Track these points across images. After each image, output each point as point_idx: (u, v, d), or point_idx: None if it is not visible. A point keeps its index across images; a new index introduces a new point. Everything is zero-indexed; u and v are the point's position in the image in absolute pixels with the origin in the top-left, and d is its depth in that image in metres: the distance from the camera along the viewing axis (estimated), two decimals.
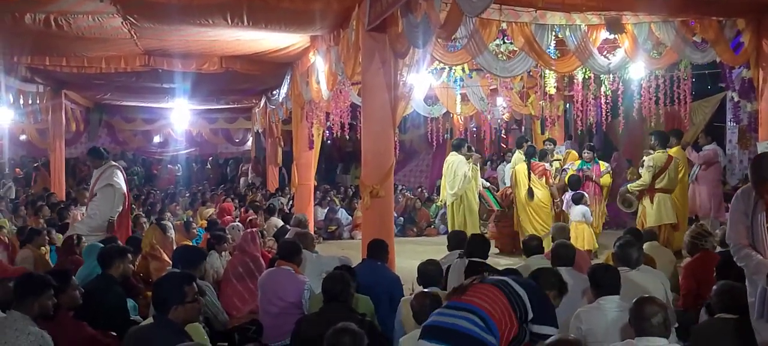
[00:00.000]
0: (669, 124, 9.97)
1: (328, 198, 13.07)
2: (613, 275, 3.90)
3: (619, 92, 8.15)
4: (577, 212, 7.79)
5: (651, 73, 7.79)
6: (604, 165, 8.75)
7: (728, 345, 3.63)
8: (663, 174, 7.68)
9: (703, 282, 4.60)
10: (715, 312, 3.98)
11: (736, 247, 3.53)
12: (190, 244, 7.28)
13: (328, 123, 10.10)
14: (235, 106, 17.05)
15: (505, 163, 10.65)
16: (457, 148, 9.09)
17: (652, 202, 7.75)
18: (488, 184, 10.01)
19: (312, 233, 7.75)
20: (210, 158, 21.50)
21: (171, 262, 5.65)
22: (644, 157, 8.12)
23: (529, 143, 9.32)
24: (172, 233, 6.84)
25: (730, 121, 8.61)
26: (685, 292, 4.50)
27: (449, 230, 9.09)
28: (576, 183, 8.09)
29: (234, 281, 5.85)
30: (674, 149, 7.75)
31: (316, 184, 13.06)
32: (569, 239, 6.16)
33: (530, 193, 8.58)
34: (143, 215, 9.46)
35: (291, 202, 12.02)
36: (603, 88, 8.49)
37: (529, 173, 8.66)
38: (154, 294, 3.39)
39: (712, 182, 7.63)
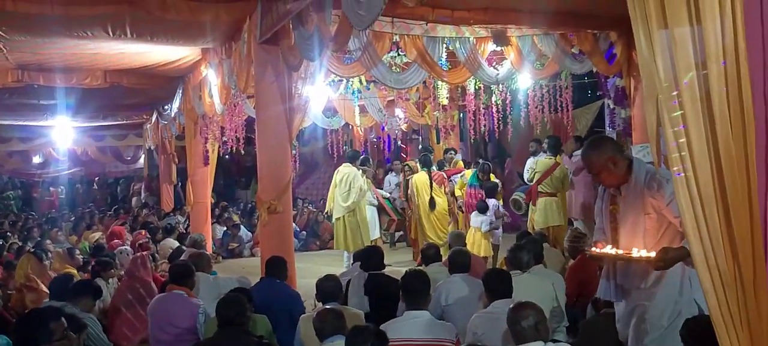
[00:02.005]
0: (556, 131, 10.54)
1: (227, 215, 12.68)
2: (505, 279, 4.04)
3: (508, 102, 8.51)
4: (477, 220, 8.07)
5: (536, 83, 8.21)
6: (492, 180, 8.82)
7: (612, 337, 3.84)
8: (547, 179, 8.03)
9: (585, 282, 4.88)
10: (600, 308, 4.24)
11: (595, 233, 3.79)
12: (74, 272, 6.78)
13: (224, 138, 9.79)
14: (125, 122, 16.15)
15: (392, 173, 10.70)
16: (352, 159, 9.03)
17: (534, 205, 8.11)
18: (388, 194, 10.09)
19: (209, 252, 7.45)
20: (97, 178, 20.21)
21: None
22: (530, 160, 8.54)
23: (428, 153, 9.46)
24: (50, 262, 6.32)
25: (609, 126, 9.22)
26: (569, 292, 4.75)
27: (338, 244, 8.91)
28: (492, 191, 8.34)
29: (123, 309, 5.53)
30: (543, 160, 8.13)
31: (214, 201, 12.63)
32: (465, 245, 6.32)
33: (432, 202, 8.73)
34: (20, 242, 8.71)
35: (187, 221, 11.53)
36: (493, 98, 8.83)
37: (431, 183, 8.81)
38: (16, 334, 3.04)
39: (587, 185, 8.08)
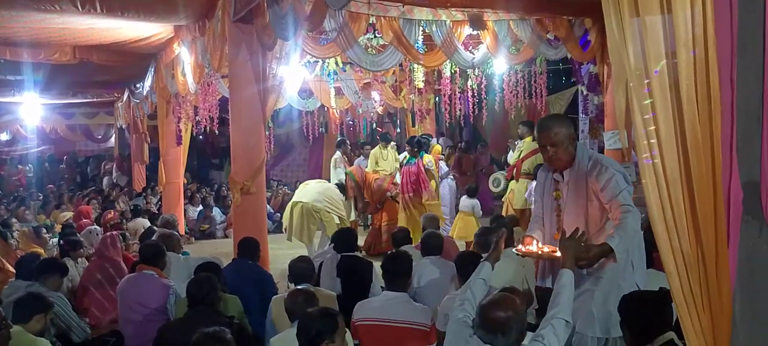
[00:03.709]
0: (530, 116, 10.64)
1: (201, 195, 12.56)
2: (476, 262, 4.06)
3: (483, 86, 8.55)
4: (467, 203, 8.10)
5: (511, 68, 8.24)
6: (427, 159, 8.54)
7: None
8: (530, 158, 8.07)
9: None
10: None
11: (531, 222, 3.75)
12: (41, 251, 6.67)
13: (197, 118, 9.67)
14: (96, 100, 15.80)
15: (362, 157, 10.63)
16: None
17: (516, 180, 8.15)
18: None
19: (178, 233, 7.34)
20: (65, 156, 19.83)
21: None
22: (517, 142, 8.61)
23: (387, 136, 9.34)
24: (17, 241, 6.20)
25: (582, 113, 9.32)
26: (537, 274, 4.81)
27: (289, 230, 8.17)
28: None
29: (92, 288, 5.46)
30: (528, 139, 8.19)
31: (187, 181, 12.49)
32: (438, 228, 6.35)
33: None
34: None
35: (159, 202, 11.40)
36: (469, 82, 8.85)
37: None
38: None
39: None
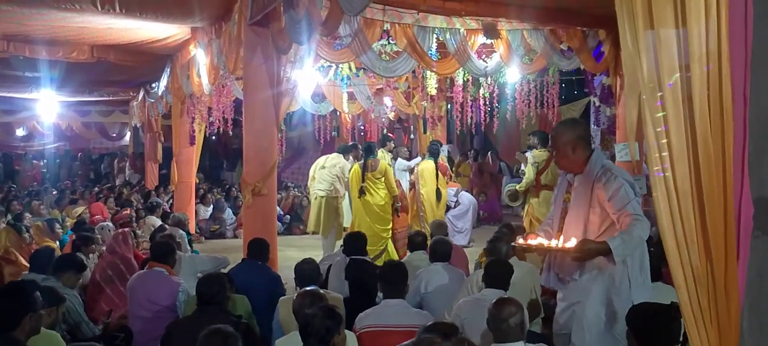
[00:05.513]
0: (541, 126, 10.63)
1: (213, 195, 12.65)
2: (505, 271, 3.91)
3: (495, 95, 8.55)
4: None
5: (523, 77, 8.25)
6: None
7: None
8: (546, 170, 8.03)
9: None
10: None
11: (543, 222, 3.77)
12: (54, 246, 6.74)
13: (211, 119, 9.75)
14: (111, 98, 15.97)
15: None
16: (344, 152, 8.91)
17: (538, 197, 8.10)
18: None
19: (192, 233, 7.41)
20: (80, 153, 20.05)
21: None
22: (527, 154, 8.55)
23: (434, 141, 9.30)
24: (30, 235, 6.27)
25: (594, 124, 9.29)
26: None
27: (310, 224, 8.65)
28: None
29: (102, 284, 5.50)
30: (539, 151, 8.14)
31: (199, 181, 12.59)
32: (447, 234, 6.34)
33: (438, 193, 8.65)
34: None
35: (171, 200, 11.50)
36: (481, 91, 8.86)
37: (437, 173, 8.58)
38: None
39: None
